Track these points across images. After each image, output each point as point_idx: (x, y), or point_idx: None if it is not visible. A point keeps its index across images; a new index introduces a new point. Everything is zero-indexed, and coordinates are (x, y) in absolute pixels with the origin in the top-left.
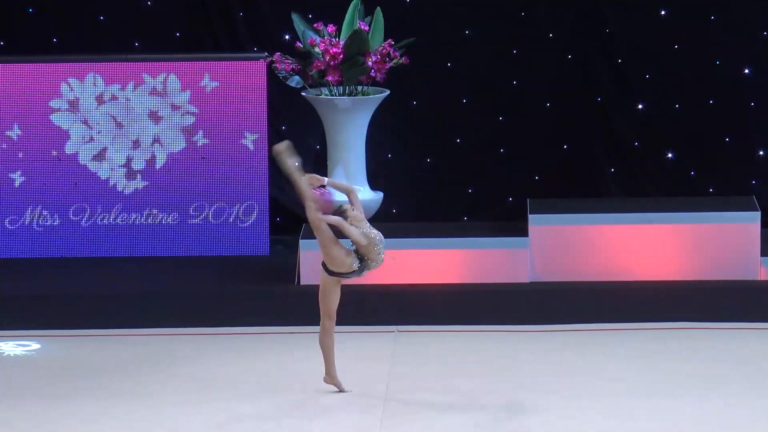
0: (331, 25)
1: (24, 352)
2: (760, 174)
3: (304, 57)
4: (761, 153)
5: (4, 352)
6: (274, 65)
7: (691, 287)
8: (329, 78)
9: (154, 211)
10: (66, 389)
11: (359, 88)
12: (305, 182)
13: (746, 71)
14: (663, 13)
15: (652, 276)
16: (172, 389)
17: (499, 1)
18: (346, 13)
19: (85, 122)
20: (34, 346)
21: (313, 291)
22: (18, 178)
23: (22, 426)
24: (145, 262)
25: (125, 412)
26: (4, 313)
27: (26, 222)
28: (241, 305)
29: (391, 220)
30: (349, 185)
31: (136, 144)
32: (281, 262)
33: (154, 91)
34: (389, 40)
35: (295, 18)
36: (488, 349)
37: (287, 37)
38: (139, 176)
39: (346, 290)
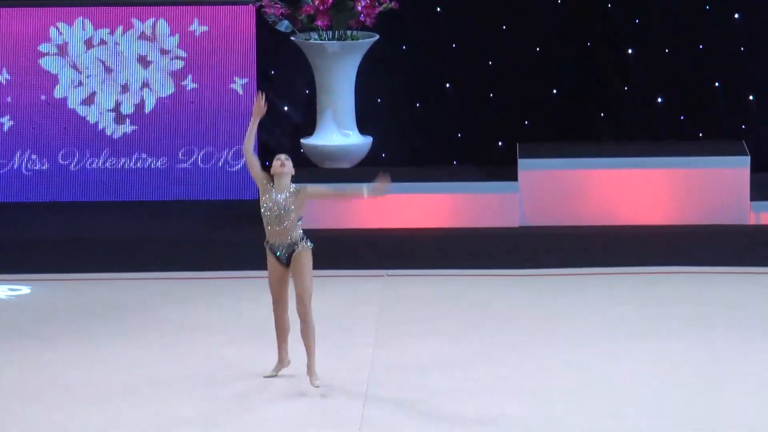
0: None
1: (13, 296)
2: (749, 119)
3: (294, 1)
4: (751, 98)
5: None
6: (263, 10)
7: (681, 232)
8: (318, 23)
9: (143, 156)
10: (54, 332)
11: (348, 32)
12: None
13: (736, 16)
14: None
15: (641, 220)
16: (160, 333)
17: None
18: None
19: (74, 67)
20: (24, 290)
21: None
22: (6, 122)
23: (9, 369)
24: (133, 207)
25: (113, 355)
26: None
27: (15, 166)
28: (230, 250)
29: (381, 165)
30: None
31: (125, 88)
32: None
33: (143, 36)
34: None
35: None
36: (477, 293)
37: None
38: (128, 120)
39: (336, 236)
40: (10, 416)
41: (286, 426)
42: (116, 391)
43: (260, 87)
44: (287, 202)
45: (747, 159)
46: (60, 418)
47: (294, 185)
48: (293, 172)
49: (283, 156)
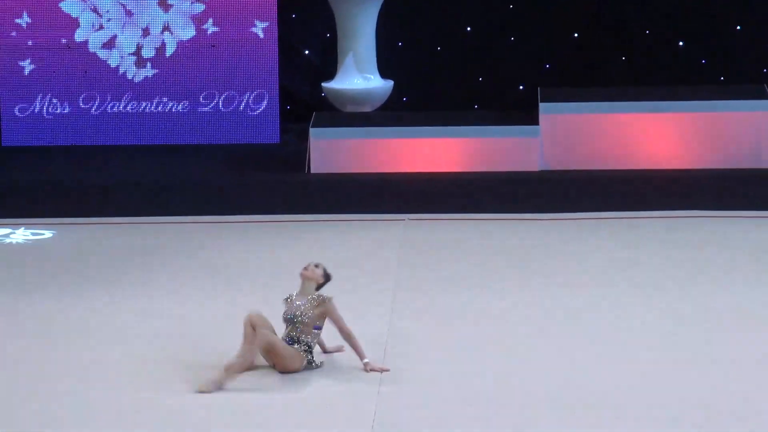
0: None
1: (36, 240)
2: None
3: None
4: None
5: (16, 240)
6: None
7: (702, 176)
8: None
9: (164, 99)
10: (77, 278)
11: None
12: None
13: None
14: None
15: (662, 165)
16: (183, 277)
17: None
18: None
19: (95, 10)
20: (46, 234)
21: (323, 179)
22: (27, 66)
23: (33, 312)
24: (154, 150)
25: (136, 300)
26: (15, 201)
27: (36, 110)
28: (252, 193)
29: (401, 109)
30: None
31: (146, 32)
32: (291, 150)
33: None
34: None
35: None
36: (497, 237)
37: None
38: (149, 64)
39: (357, 180)
40: (34, 358)
41: (310, 371)
42: (142, 335)
43: (281, 31)
44: (303, 310)
45: None
46: (84, 360)
47: (318, 294)
48: (320, 281)
49: (314, 263)
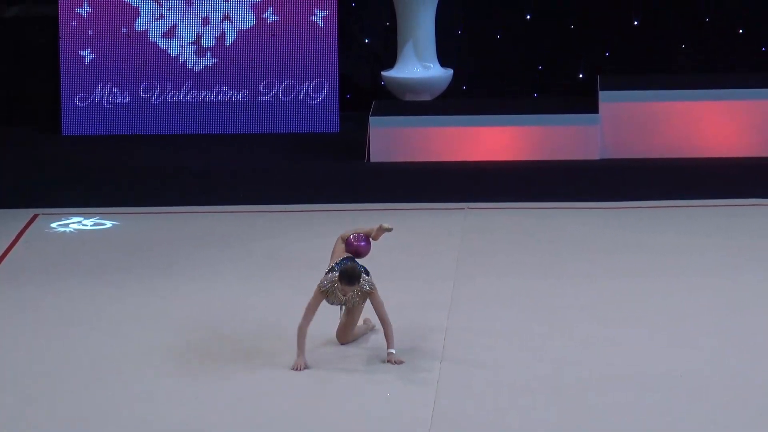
0: None
1: (97, 229)
2: None
3: None
4: None
5: (75, 229)
6: None
7: (763, 164)
8: None
9: (224, 88)
10: (139, 266)
11: None
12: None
13: None
14: None
15: (723, 153)
16: (245, 266)
17: None
18: None
19: None
20: (107, 224)
21: (383, 168)
22: (88, 55)
23: (97, 301)
24: (214, 140)
25: (199, 289)
26: (74, 190)
27: (96, 99)
28: (311, 182)
29: (461, 97)
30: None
31: (206, 21)
32: (351, 139)
33: None
34: None
35: None
36: (557, 225)
37: None
38: (209, 53)
39: (418, 168)
40: (90, 345)
41: (371, 358)
42: (200, 321)
43: (340, 19)
44: (349, 297)
45: None
46: (142, 349)
47: (361, 287)
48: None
49: (340, 286)
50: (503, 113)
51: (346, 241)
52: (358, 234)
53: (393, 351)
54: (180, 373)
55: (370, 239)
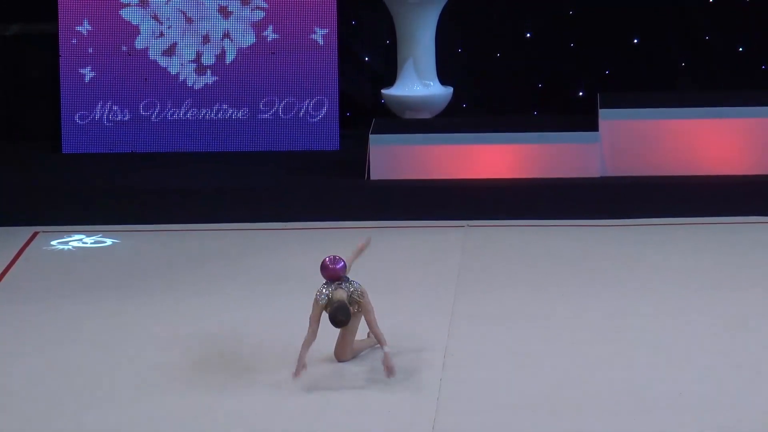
0: None
1: (97, 246)
2: None
3: None
4: None
5: (75, 246)
6: None
7: (762, 181)
8: None
9: (224, 106)
10: (139, 284)
11: None
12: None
13: None
14: None
15: (722, 170)
16: (242, 283)
17: None
18: None
19: (155, 17)
20: (108, 241)
21: (383, 186)
22: (88, 73)
23: (92, 319)
24: (214, 158)
25: (199, 307)
26: (74, 208)
27: (96, 117)
28: (311, 200)
29: (461, 115)
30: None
31: (206, 39)
32: (351, 157)
33: None
34: None
35: None
36: (557, 243)
37: None
38: (209, 71)
39: (417, 186)
40: (93, 363)
41: (370, 375)
42: (200, 339)
43: (340, 37)
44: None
45: None
46: (142, 367)
47: (352, 291)
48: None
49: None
50: (503, 131)
51: (322, 266)
52: (333, 257)
53: (387, 350)
54: (179, 390)
55: (346, 260)
